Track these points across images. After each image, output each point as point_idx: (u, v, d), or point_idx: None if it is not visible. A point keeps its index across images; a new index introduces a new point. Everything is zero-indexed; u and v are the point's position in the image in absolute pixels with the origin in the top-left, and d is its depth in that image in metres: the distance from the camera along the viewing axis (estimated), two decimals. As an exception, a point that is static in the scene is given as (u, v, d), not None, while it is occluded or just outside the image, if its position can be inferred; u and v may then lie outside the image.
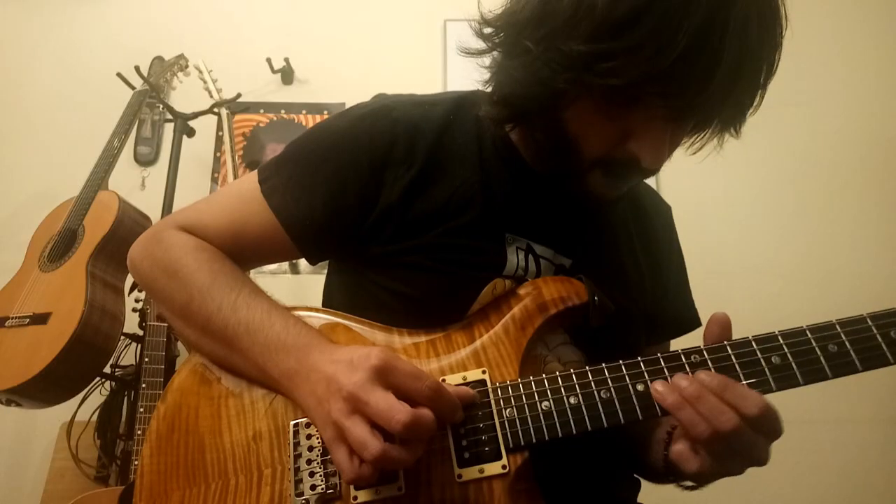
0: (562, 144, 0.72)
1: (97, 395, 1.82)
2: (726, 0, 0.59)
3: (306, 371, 0.66)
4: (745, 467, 0.62)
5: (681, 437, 0.63)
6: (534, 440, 0.64)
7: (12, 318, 1.66)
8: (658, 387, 0.62)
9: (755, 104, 0.69)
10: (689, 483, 0.73)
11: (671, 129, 0.67)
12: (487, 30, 0.74)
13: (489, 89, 0.78)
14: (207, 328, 0.73)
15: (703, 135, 0.73)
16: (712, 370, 0.63)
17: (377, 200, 0.78)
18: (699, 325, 0.94)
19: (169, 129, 2.37)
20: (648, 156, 0.67)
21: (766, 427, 0.60)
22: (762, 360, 0.62)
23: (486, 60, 0.77)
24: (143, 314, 1.83)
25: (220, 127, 2.47)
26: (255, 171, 0.84)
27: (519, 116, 0.77)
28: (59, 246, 1.80)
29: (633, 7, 0.60)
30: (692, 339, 0.72)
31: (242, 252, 0.81)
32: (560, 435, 0.63)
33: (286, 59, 2.59)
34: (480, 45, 0.75)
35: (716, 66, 0.59)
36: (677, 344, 0.77)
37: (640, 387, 0.64)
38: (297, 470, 0.66)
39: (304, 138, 0.85)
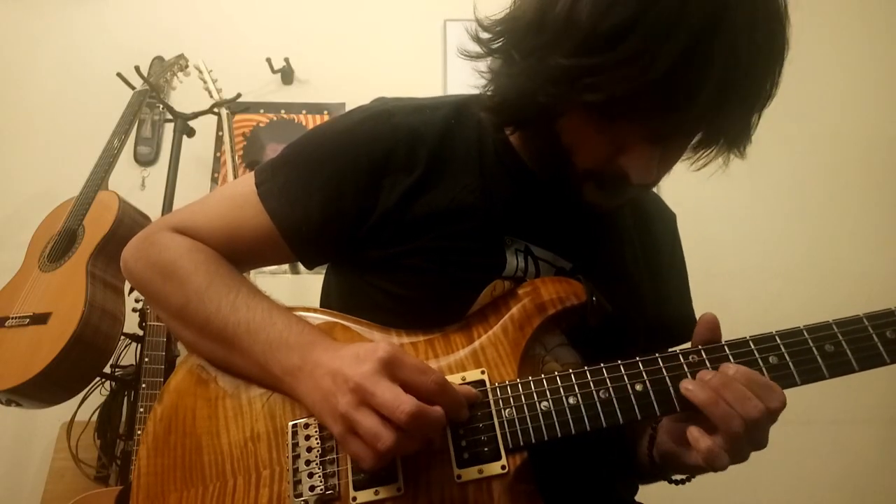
0: (556, 153, 0.72)
1: (97, 395, 1.82)
2: (714, 25, 0.58)
3: (310, 367, 0.66)
4: (749, 453, 0.63)
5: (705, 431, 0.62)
6: (533, 440, 0.64)
7: (12, 318, 1.66)
8: (688, 385, 0.62)
9: (752, 125, 0.68)
10: (679, 477, 0.73)
11: (660, 146, 0.66)
12: (484, 35, 0.74)
13: (487, 93, 0.78)
14: (206, 329, 0.73)
15: (706, 152, 0.72)
16: (710, 370, 0.63)
17: (375, 205, 0.77)
18: None
19: (169, 129, 2.37)
20: (636, 173, 0.66)
21: (777, 416, 0.61)
22: (759, 360, 0.62)
23: (484, 64, 0.77)
24: (143, 314, 1.83)
25: (220, 127, 2.47)
26: (251, 173, 0.83)
27: (514, 122, 0.77)
28: (59, 246, 1.80)
29: (617, 24, 0.59)
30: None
31: (237, 255, 0.81)
32: (559, 435, 0.63)
33: (286, 59, 2.59)
34: (478, 49, 0.75)
35: (699, 90, 0.59)
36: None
37: (638, 387, 0.64)
38: (295, 471, 0.66)
39: (302, 141, 0.84)
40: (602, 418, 0.63)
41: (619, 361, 0.66)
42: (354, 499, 0.63)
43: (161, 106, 2.32)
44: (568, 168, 0.72)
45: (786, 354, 0.62)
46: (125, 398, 1.87)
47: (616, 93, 0.60)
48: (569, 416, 0.64)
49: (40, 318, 1.63)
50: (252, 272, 1.94)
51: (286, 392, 0.70)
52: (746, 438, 0.60)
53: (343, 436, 0.61)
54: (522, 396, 0.66)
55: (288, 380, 0.68)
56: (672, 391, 0.63)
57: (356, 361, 0.61)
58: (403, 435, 0.57)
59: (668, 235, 0.97)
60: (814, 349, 0.61)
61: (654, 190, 0.98)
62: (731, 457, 0.61)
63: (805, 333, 0.62)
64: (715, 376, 0.61)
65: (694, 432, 0.61)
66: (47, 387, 1.56)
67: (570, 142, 0.70)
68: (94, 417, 1.89)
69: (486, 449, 0.64)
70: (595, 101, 0.61)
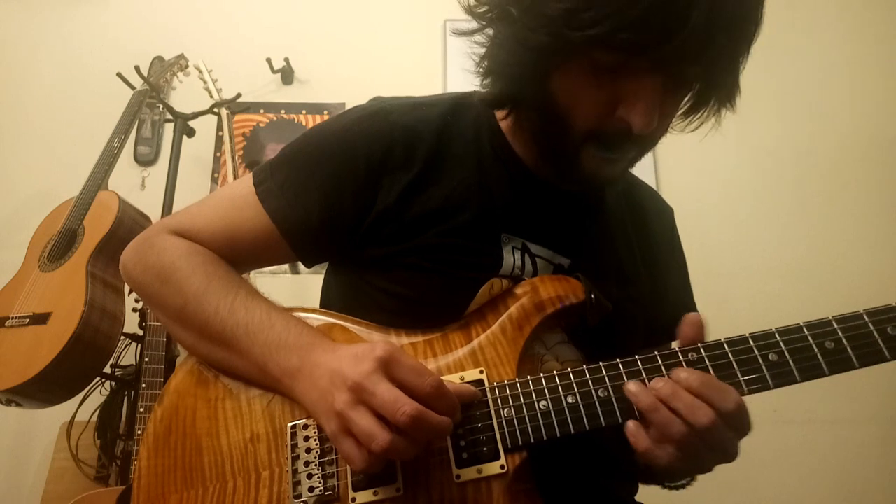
0: (552, 119, 0.71)
1: (97, 395, 1.82)
2: None
3: (309, 368, 0.66)
4: (715, 464, 0.62)
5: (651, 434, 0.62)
6: (532, 440, 0.64)
7: (12, 318, 1.66)
8: (632, 387, 0.62)
9: (740, 61, 0.69)
10: (676, 483, 0.73)
11: (659, 89, 0.66)
12: (480, 9, 0.74)
13: (482, 67, 0.78)
14: (204, 331, 0.73)
15: (701, 112, 0.74)
16: (709, 368, 0.63)
17: (374, 203, 0.78)
18: None
19: (169, 129, 2.37)
20: (638, 119, 0.66)
21: (739, 423, 0.60)
22: (759, 357, 0.62)
23: (481, 42, 0.76)
24: (143, 314, 1.83)
25: (220, 127, 2.47)
26: (250, 174, 0.83)
27: (509, 93, 0.76)
28: (59, 246, 1.80)
29: None
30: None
31: (237, 255, 0.81)
32: (558, 434, 0.63)
33: (286, 59, 2.59)
34: (473, 25, 0.75)
35: (690, 9, 0.59)
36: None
37: (637, 386, 0.63)
38: (294, 472, 0.66)
39: (300, 141, 0.84)
40: (601, 417, 0.63)
41: (618, 360, 0.65)
42: (353, 499, 0.63)
43: (161, 106, 2.32)
44: (564, 134, 0.71)
45: (785, 351, 0.61)
46: (125, 398, 1.87)
47: (610, 24, 0.60)
48: (567, 416, 0.64)
49: (40, 318, 1.63)
50: (252, 272, 1.94)
51: (285, 393, 0.70)
52: (702, 446, 0.59)
53: (336, 435, 0.61)
54: (521, 396, 0.66)
55: (287, 381, 0.68)
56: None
57: (355, 361, 0.61)
58: (400, 438, 0.57)
59: (665, 230, 0.97)
60: (814, 346, 0.61)
61: (654, 186, 0.98)
62: (687, 464, 0.61)
63: (805, 330, 0.62)
64: (665, 385, 0.60)
65: (631, 427, 0.62)
66: (47, 387, 1.56)
67: (568, 101, 0.70)
68: (94, 417, 1.88)
69: (485, 449, 0.64)
70: (599, 33, 0.61)
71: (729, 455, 0.61)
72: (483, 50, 0.77)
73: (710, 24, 0.60)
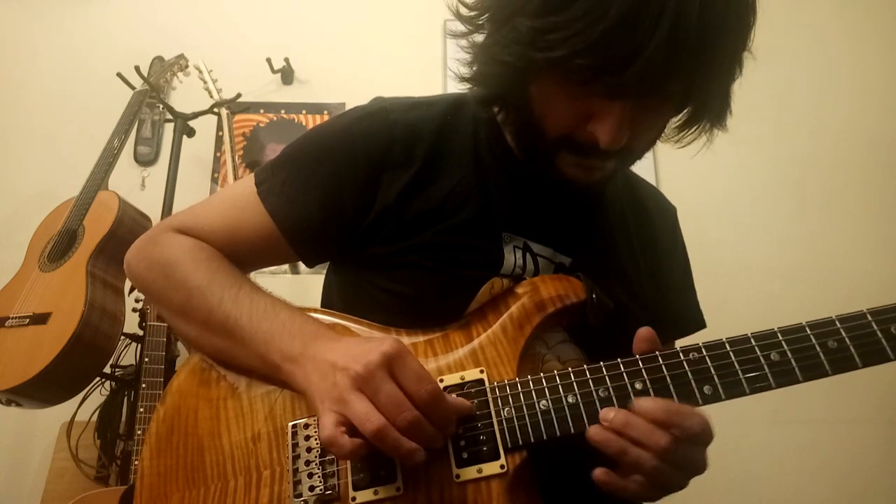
0: (527, 123, 0.73)
1: (97, 395, 1.82)
2: None
3: (311, 355, 0.66)
4: (689, 479, 0.63)
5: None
6: (532, 439, 0.64)
7: (12, 318, 1.66)
8: (593, 434, 0.62)
9: (724, 81, 0.69)
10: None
11: (628, 107, 0.66)
12: (467, 13, 0.75)
13: (470, 71, 0.78)
14: (208, 322, 0.73)
15: (690, 130, 0.74)
16: (710, 368, 0.63)
17: (374, 202, 0.78)
18: (703, 326, 0.94)
19: (169, 129, 2.37)
20: (604, 135, 0.67)
21: (704, 438, 0.61)
22: (761, 356, 0.62)
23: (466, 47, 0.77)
24: (143, 314, 1.83)
25: (220, 127, 2.47)
26: (252, 174, 0.84)
27: (493, 95, 0.77)
28: (59, 246, 1.80)
29: None
30: (694, 340, 0.71)
31: (239, 255, 0.81)
32: (558, 434, 0.63)
33: (286, 59, 2.59)
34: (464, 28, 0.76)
35: (648, 38, 0.59)
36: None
37: (637, 385, 0.63)
38: (295, 471, 0.66)
39: (301, 141, 0.85)
40: (601, 418, 0.63)
41: (619, 360, 0.65)
42: (354, 499, 0.63)
43: (161, 106, 2.32)
44: (538, 139, 0.72)
45: (787, 351, 0.61)
46: (125, 398, 1.87)
47: (569, 48, 0.61)
48: (568, 415, 0.64)
49: (40, 318, 1.63)
50: (252, 273, 1.94)
51: (284, 380, 0.69)
52: (669, 468, 0.59)
53: (324, 412, 0.61)
54: (521, 395, 0.66)
55: (287, 366, 0.68)
56: (672, 389, 0.63)
57: (363, 352, 0.61)
58: (392, 427, 0.57)
59: (667, 229, 0.97)
60: (816, 345, 0.61)
61: (654, 185, 0.98)
62: (660, 487, 0.61)
63: (807, 329, 0.62)
64: (617, 415, 0.61)
65: (598, 474, 0.62)
66: (47, 387, 1.56)
67: (542, 110, 0.71)
68: (94, 417, 1.89)
69: (484, 448, 0.64)
70: (558, 56, 0.62)
71: (700, 468, 0.62)
72: (468, 48, 0.77)
73: (671, 51, 0.59)
